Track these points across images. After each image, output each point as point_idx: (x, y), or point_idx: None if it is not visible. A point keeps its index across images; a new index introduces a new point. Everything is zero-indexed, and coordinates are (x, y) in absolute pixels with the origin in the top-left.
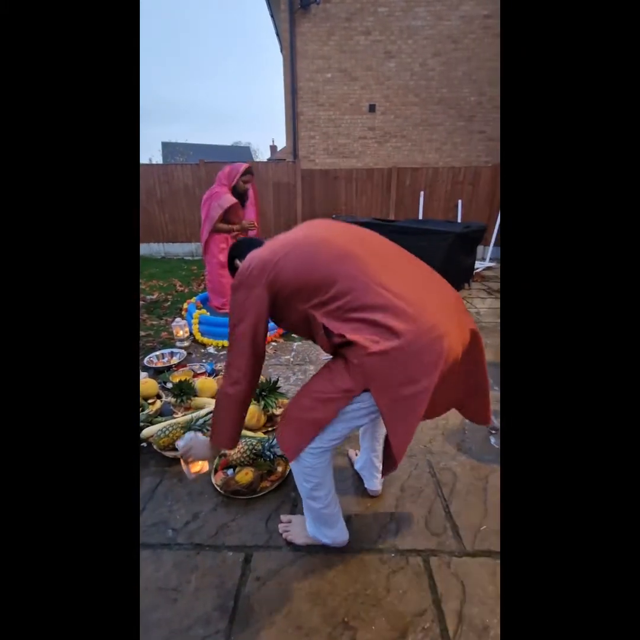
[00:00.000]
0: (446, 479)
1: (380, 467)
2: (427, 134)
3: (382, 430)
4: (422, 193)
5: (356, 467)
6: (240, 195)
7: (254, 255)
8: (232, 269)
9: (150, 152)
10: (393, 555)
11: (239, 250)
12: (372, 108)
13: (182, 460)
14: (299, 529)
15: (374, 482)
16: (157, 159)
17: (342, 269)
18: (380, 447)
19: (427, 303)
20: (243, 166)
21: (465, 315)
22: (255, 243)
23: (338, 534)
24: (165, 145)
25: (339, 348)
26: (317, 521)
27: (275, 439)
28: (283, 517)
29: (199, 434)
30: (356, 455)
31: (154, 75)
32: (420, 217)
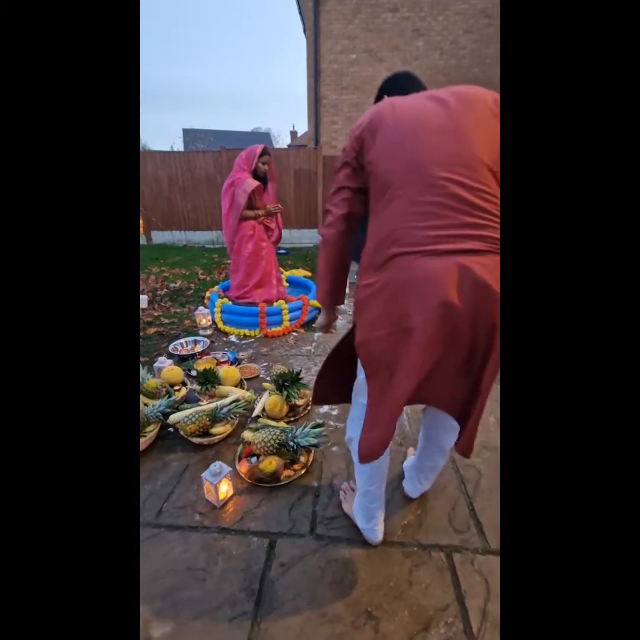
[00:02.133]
0: (470, 476)
1: (426, 486)
2: None
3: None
4: None
5: (404, 465)
6: (261, 178)
7: (378, 107)
8: None
9: (171, 139)
10: (415, 549)
11: (390, 87)
12: None
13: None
14: (350, 499)
15: (414, 491)
16: (179, 145)
17: (405, 191)
18: (430, 466)
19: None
20: (259, 148)
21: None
22: (413, 82)
23: (369, 529)
24: (187, 132)
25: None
26: (357, 505)
27: (298, 430)
28: (348, 483)
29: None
30: (412, 454)
31: (174, 60)
32: None
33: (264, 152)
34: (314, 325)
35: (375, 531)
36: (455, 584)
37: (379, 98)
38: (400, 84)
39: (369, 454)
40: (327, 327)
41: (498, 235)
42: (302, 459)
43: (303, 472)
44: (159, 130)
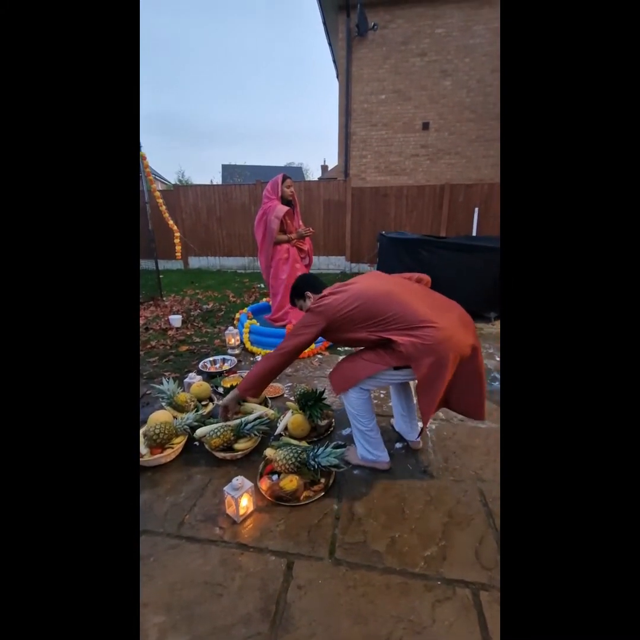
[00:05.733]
0: (499, 510)
1: (418, 421)
2: (482, 150)
3: (412, 393)
4: (476, 209)
5: (396, 428)
6: (288, 202)
7: (327, 298)
8: (300, 296)
9: (212, 174)
10: (439, 583)
11: (312, 285)
12: (425, 126)
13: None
14: (353, 453)
15: (414, 434)
16: (217, 180)
17: (387, 305)
18: (414, 404)
19: (446, 320)
20: (280, 175)
21: (471, 329)
22: (319, 282)
23: (381, 454)
24: (225, 167)
25: (381, 343)
26: (365, 442)
27: (319, 449)
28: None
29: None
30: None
31: (218, 102)
32: (474, 234)
33: (285, 177)
34: (213, 406)
35: (386, 453)
36: (481, 625)
37: (301, 290)
38: (312, 281)
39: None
40: (231, 413)
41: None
42: (323, 480)
43: (323, 494)
44: (201, 166)
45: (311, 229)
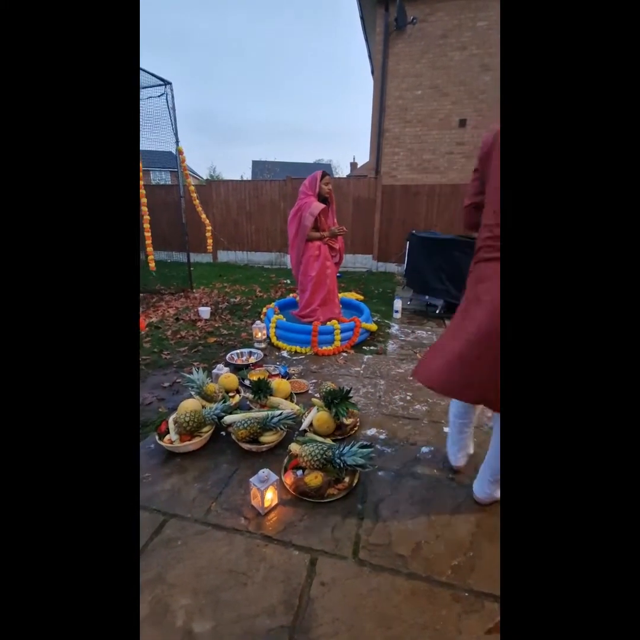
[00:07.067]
0: None
1: (496, 491)
2: None
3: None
4: None
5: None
6: (324, 199)
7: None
8: None
9: (241, 170)
10: (466, 594)
11: None
12: (462, 122)
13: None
14: None
15: (481, 492)
16: (248, 175)
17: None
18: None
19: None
20: (319, 172)
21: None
22: None
23: (450, 456)
24: (255, 163)
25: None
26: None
27: (345, 448)
28: None
29: None
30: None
31: (249, 100)
32: None
33: (324, 174)
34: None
35: (454, 457)
36: None
37: None
38: None
39: (423, 379)
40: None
41: None
42: (347, 479)
43: (347, 493)
44: (232, 162)
45: (344, 228)
